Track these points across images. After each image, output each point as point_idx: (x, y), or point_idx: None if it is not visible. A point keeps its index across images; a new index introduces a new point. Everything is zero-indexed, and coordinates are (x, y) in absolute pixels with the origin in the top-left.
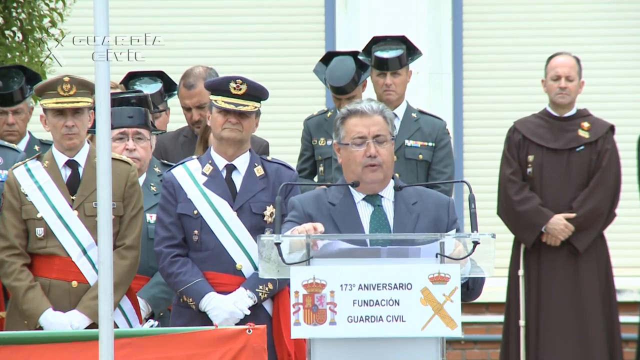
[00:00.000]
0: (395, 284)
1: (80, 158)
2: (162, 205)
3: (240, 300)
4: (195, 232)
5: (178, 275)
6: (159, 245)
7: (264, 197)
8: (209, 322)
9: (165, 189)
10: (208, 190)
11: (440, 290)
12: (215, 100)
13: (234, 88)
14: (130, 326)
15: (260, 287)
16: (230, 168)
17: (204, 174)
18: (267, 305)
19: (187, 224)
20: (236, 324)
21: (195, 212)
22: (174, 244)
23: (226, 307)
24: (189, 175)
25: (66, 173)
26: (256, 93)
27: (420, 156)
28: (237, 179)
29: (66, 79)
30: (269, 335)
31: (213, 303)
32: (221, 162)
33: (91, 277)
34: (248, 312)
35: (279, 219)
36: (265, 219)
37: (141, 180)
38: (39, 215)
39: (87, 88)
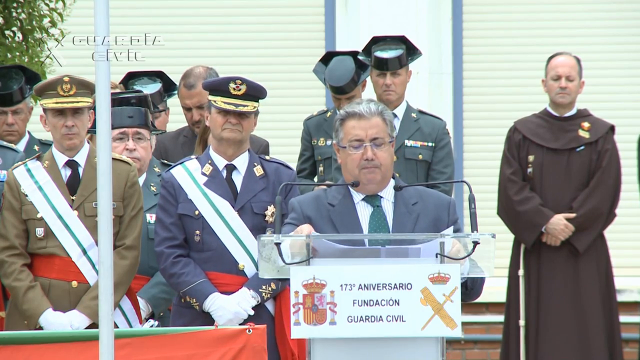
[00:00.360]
0: (395, 284)
1: (80, 158)
2: (162, 205)
3: (244, 301)
4: (197, 232)
5: (181, 275)
6: (160, 246)
7: (265, 196)
8: (211, 322)
9: (164, 189)
10: (209, 190)
11: (440, 290)
12: (215, 101)
13: (234, 89)
14: (130, 326)
15: (264, 287)
16: (231, 168)
17: (203, 174)
18: (270, 305)
19: (189, 224)
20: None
21: (197, 212)
22: (175, 245)
23: (230, 308)
24: (189, 175)
25: (66, 173)
26: (255, 93)
27: (420, 156)
28: (237, 179)
29: (66, 79)
30: (271, 335)
31: (217, 303)
32: (221, 162)
33: (91, 277)
34: (252, 312)
35: (279, 219)
36: (266, 218)
37: (141, 180)
38: (39, 216)
39: (87, 88)
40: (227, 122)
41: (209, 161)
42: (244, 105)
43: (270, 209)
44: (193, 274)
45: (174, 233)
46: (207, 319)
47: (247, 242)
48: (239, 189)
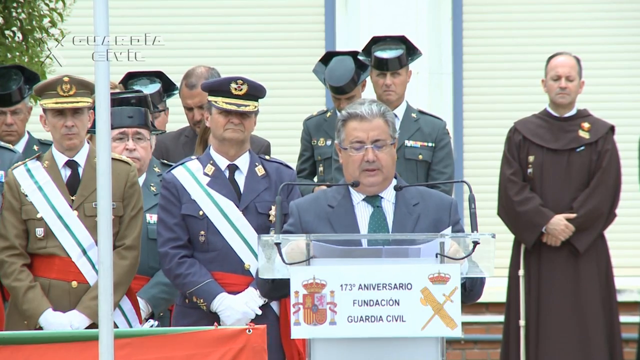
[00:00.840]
0: (395, 284)
1: (80, 158)
2: (164, 206)
3: (252, 301)
4: (202, 233)
5: (187, 276)
6: (164, 247)
7: (268, 196)
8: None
9: (166, 189)
10: (212, 190)
11: (440, 290)
12: (215, 102)
13: (235, 89)
14: (130, 326)
15: None
16: (233, 168)
17: (205, 174)
18: (274, 305)
19: (193, 225)
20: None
21: (201, 212)
22: (179, 245)
23: (238, 308)
24: (191, 175)
25: (66, 173)
26: (256, 92)
27: (420, 156)
28: (240, 178)
29: (66, 79)
30: (276, 335)
31: (225, 304)
32: (223, 163)
33: (91, 277)
34: (259, 312)
35: (279, 219)
36: (270, 218)
37: (141, 180)
38: (38, 216)
39: (86, 88)
40: (229, 123)
41: (211, 161)
42: (246, 105)
43: (274, 209)
44: (199, 274)
45: (178, 234)
46: (213, 319)
47: (253, 242)
48: (242, 189)
